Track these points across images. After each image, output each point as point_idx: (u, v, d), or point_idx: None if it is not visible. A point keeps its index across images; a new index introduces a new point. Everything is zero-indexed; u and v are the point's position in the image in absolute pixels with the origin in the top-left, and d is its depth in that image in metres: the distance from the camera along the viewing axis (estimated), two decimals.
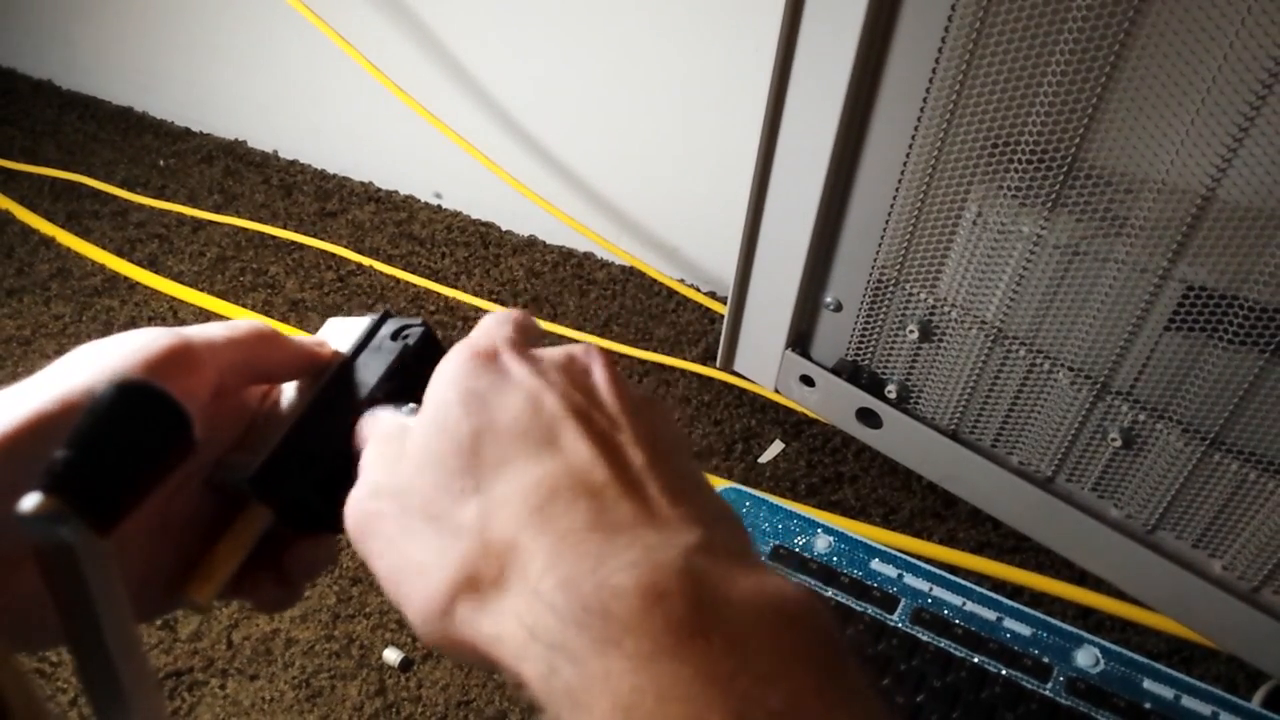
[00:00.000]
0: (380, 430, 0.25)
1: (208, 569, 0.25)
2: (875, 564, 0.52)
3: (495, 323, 0.25)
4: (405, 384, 0.28)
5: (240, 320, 0.28)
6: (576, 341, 0.27)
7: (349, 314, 0.79)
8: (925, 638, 0.48)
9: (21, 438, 0.23)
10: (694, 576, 0.18)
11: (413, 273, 0.83)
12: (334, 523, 0.27)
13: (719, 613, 0.18)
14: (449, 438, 0.22)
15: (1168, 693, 0.46)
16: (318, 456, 0.27)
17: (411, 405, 0.26)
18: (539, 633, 0.18)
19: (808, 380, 0.61)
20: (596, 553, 0.19)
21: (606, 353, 0.25)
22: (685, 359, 0.74)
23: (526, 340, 0.25)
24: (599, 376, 0.24)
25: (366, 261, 0.84)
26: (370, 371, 0.28)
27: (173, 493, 0.27)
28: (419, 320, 0.29)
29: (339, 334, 0.30)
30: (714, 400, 0.70)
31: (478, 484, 0.21)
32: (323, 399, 0.27)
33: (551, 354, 0.25)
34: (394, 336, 0.29)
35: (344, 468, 0.27)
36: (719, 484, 0.58)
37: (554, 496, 0.20)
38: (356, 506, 0.23)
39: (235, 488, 0.26)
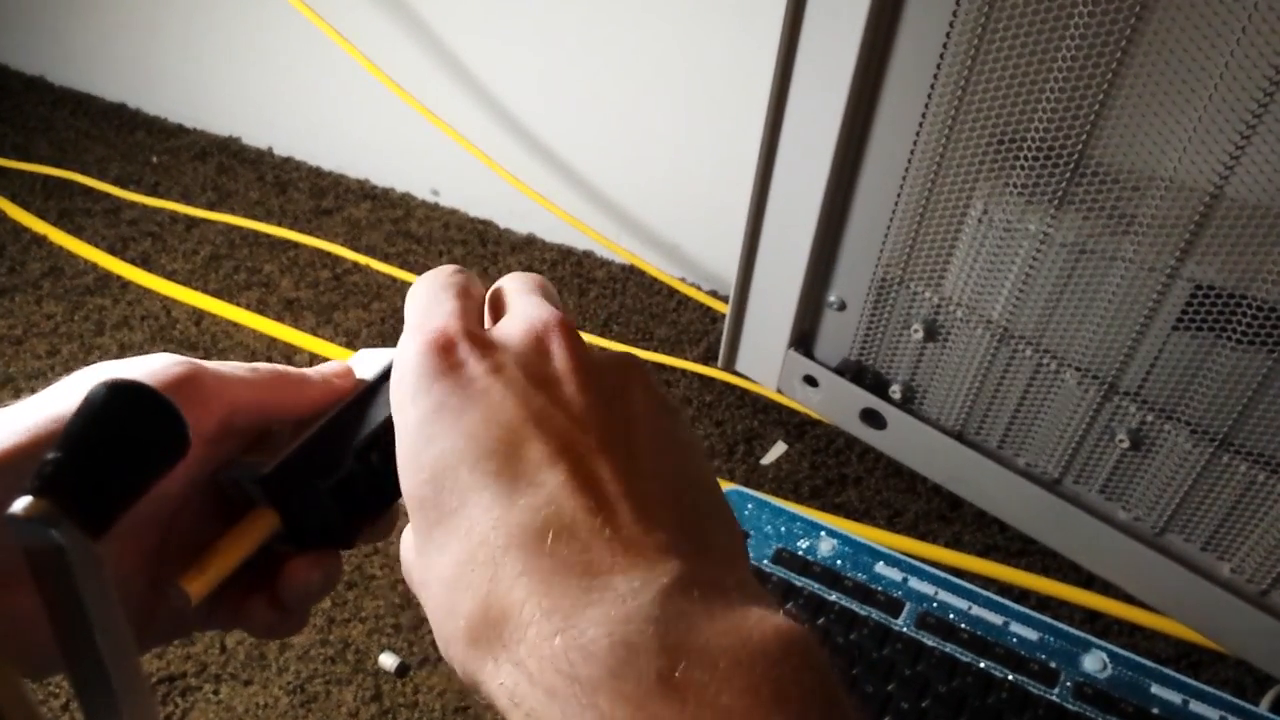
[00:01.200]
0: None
1: (203, 562, 0.25)
2: (880, 567, 0.51)
3: (438, 292, 0.23)
4: None
5: (264, 365, 0.27)
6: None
7: (345, 313, 0.78)
8: (930, 642, 0.48)
9: (18, 457, 0.22)
10: (666, 626, 0.17)
11: (409, 271, 0.82)
12: (339, 538, 0.27)
13: (693, 664, 0.17)
14: (413, 477, 0.21)
15: (1176, 697, 0.46)
16: (333, 468, 0.26)
17: None
18: (518, 699, 0.17)
19: (811, 380, 0.60)
20: (567, 608, 0.18)
21: (568, 326, 0.23)
22: (686, 359, 0.73)
23: (478, 313, 0.24)
24: (560, 362, 0.22)
25: (362, 260, 0.83)
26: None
27: (173, 510, 0.26)
28: None
29: (368, 364, 0.29)
30: (715, 401, 0.69)
31: (449, 530, 0.20)
32: (345, 414, 0.27)
33: (511, 337, 0.23)
34: None
35: (358, 484, 0.26)
36: (721, 486, 0.58)
37: (523, 541, 0.19)
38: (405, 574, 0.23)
39: (244, 489, 0.26)
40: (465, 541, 0.19)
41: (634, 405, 0.22)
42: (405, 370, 0.22)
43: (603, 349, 0.24)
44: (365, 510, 0.27)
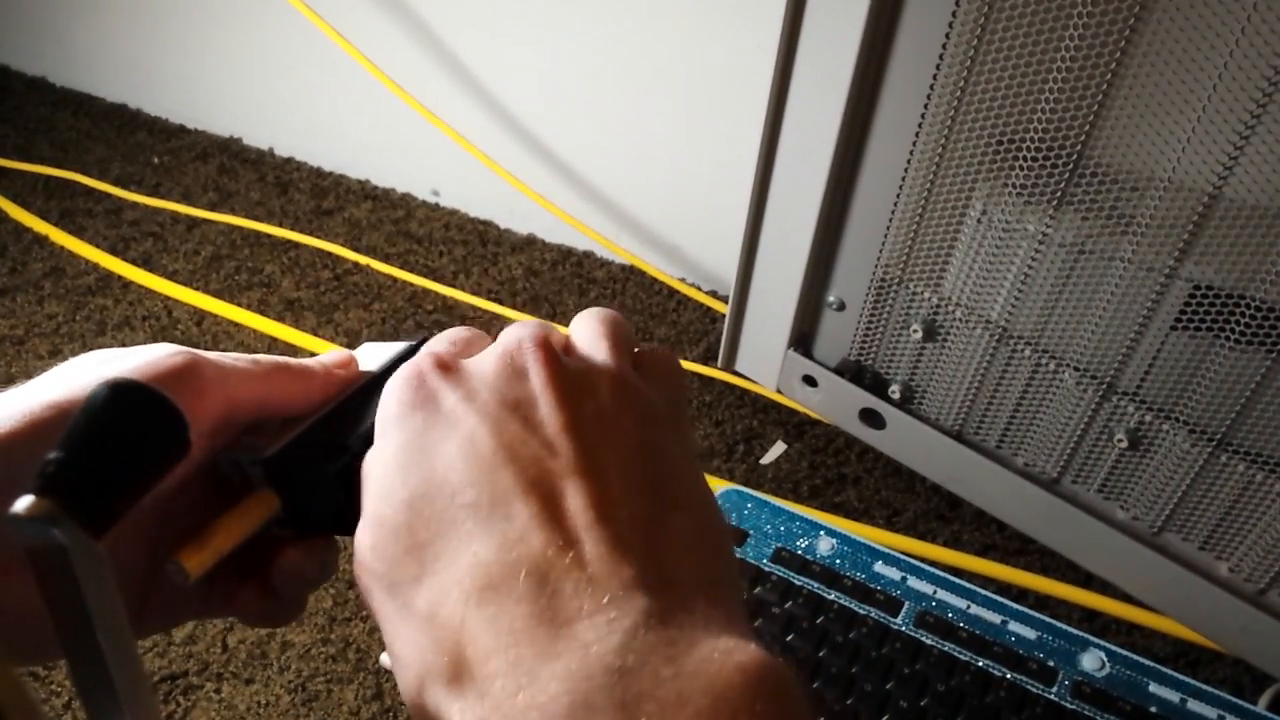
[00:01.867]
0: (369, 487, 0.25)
1: (202, 539, 0.24)
2: (879, 567, 0.52)
3: (426, 360, 0.24)
4: None
5: (266, 357, 0.27)
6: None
7: (346, 314, 0.78)
8: (929, 641, 0.48)
9: (14, 442, 0.22)
10: (628, 677, 0.17)
11: (410, 271, 0.82)
12: (339, 524, 0.27)
13: (654, 717, 0.17)
14: (389, 510, 0.21)
15: (1174, 696, 0.46)
16: (338, 452, 0.26)
17: None
18: None
19: (810, 380, 0.60)
20: (531, 661, 0.17)
21: (543, 341, 0.23)
22: (686, 359, 0.73)
23: (452, 345, 0.24)
24: (535, 381, 0.22)
25: (363, 260, 0.83)
26: None
27: (171, 495, 0.26)
28: None
29: (373, 356, 0.30)
30: (715, 401, 0.70)
31: (421, 566, 0.20)
32: (350, 402, 0.27)
33: (483, 362, 0.23)
34: None
35: (360, 471, 0.26)
36: (720, 486, 0.58)
37: (493, 583, 0.19)
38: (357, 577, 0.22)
39: (245, 471, 0.26)
40: (439, 577, 0.19)
41: (612, 419, 0.22)
42: (384, 404, 0.22)
43: (581, 358, 0.24)
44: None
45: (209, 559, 0.24)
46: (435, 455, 0.21)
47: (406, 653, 0.20)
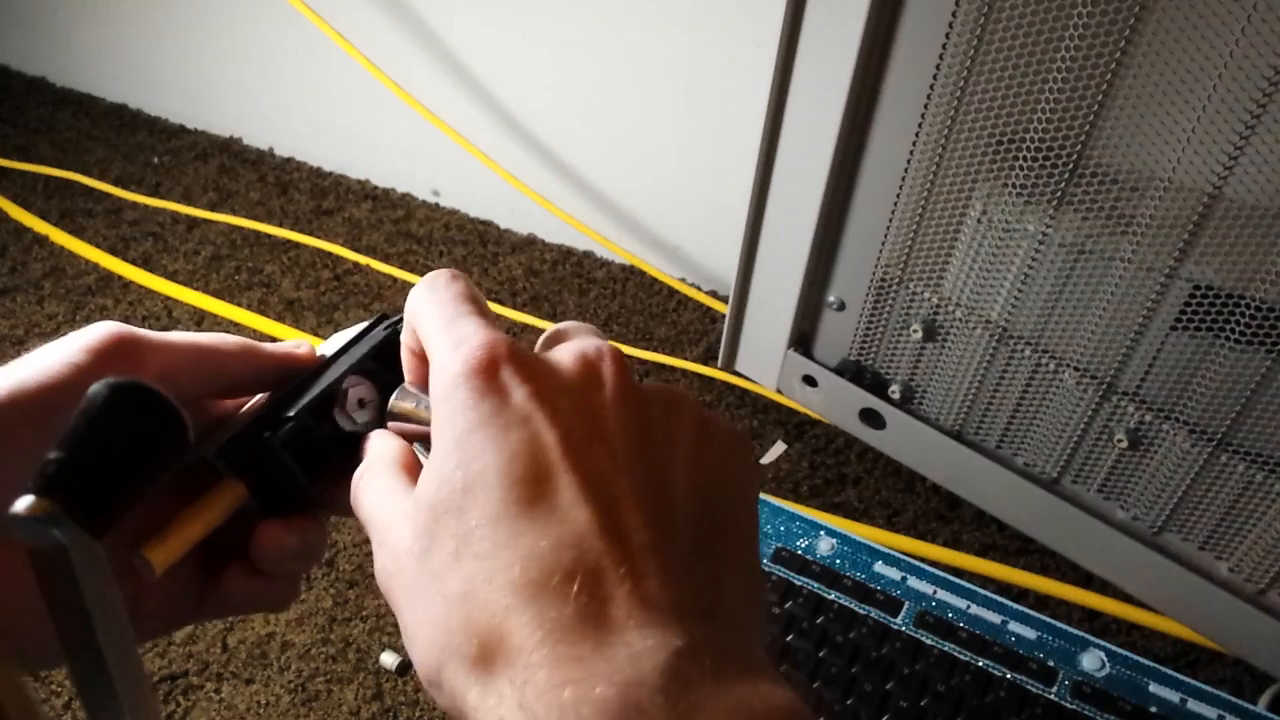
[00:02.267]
0: (379, 456, 0.24)
1: (165, 531, 0.24)
2: (879, 566, 0.52)
3: (457, 304, 0.23)
4: (387, 365, 0.27)
5: (219, 334, 0.28)
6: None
7: (346, 314, 0.78)
8: (929, 641, 0.48)
9: None
10: (675, 696, 0.17)
11: (410, 271, 0.82)
12: (303, 497, 0.27)
13: None
14: (442, 487, 0.20)
15: (1174, 696, 0.46)
16: (277, 425, 0.26)
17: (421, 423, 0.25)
18: None
19: (810, 380, 0.60)
20: (581, 659, 0.18)
21: (619, 356, 0.23)
22: (686, 359, 0.73)
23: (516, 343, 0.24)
24: (608, 393, 0.22)
25: (363, 260, 0.83)
26: (354, 356, 0.28)
27: (149, 497, 0.26)
28: None
29: (334, 343, 0.30)
30: (715, 401, 0.70)
31: (464, 548, 0.20)
32: (304, 383, 0.27)
33: (560, 364, 0.22)
34: (385, 329, 0.29)
35: (316, 441, 0.26)
36: None
37: (543, 578, 0.19)
38: (378, 574, 0.22)
39: (213, 465, 0.26)
40: (482, 562, 0.19)
41: (677, 445, 0.22)
42: (448, 387, 0.22)
43: (653, 383, 0.24)
44: (326, 467, 0.27)
45: (174, 550, 0.24)
46: (501, 445, 0.20)
47: (429, 630, 0.20)
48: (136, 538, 0.25)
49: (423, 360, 0.25)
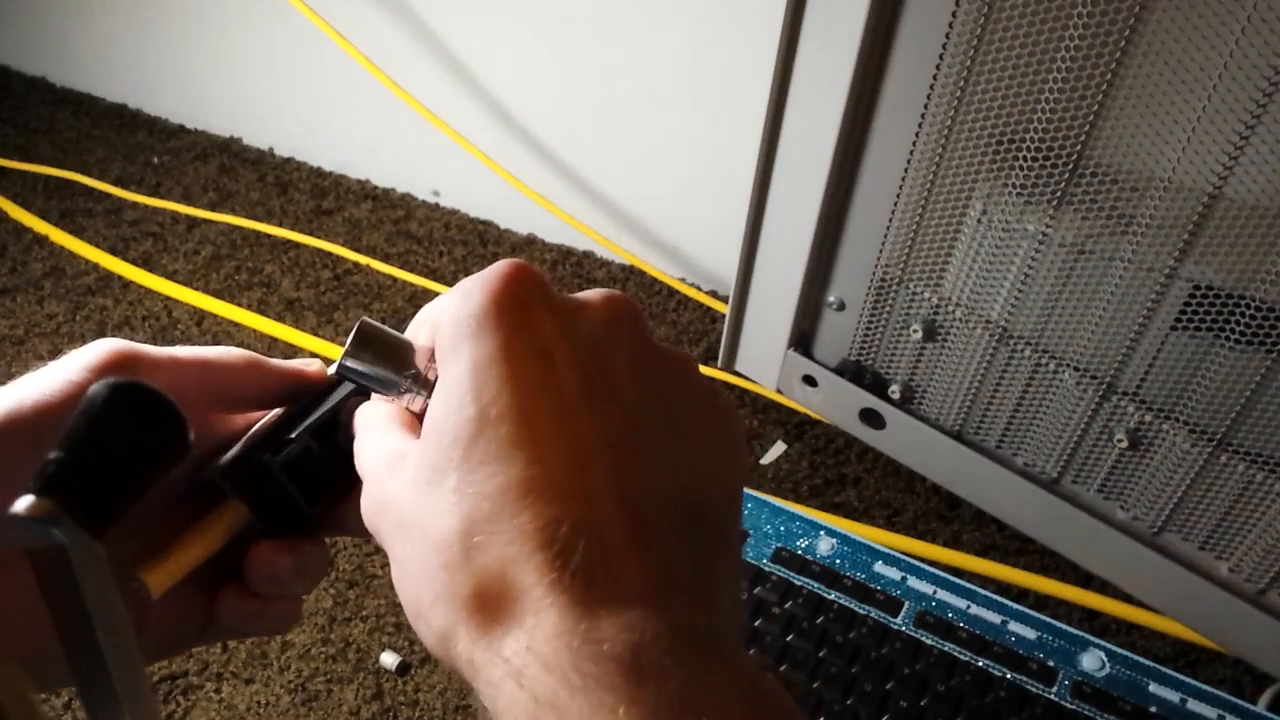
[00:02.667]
0: (375, 418, 0.24)
1: (165, 554, 0.24)
2: (879, 566, 0.52)
3: (520, 269, 0.22)
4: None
5: (225, 347, 0.27)
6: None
7: (346, 314, 0.78)
8: (929, 641, 0.48)
9: None
10: (682, 662, 0.17)
11: (410, 271, 0.82)
12: (303, 520, 0.26)
13: (703, 699, 0.17)
14: (453, 413, 0.19)
15: (1173, 696, 0.46)
16: (278, 447, 0.26)
17: (410, 383, 0.24)
18: (526, 681, 0.17)
19: (810, 380, 0.60)
20: (590, 610, 0.17)
21: (641, 310, 0.22)
22: None
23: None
24: (629, 344, 0.21)
25: (363, 260, 0.83)
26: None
27: (154, 517, 0.26)
28: None
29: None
30: None
31: (464, 482, 0.19)
32: (309, 404, 0.27)
33: (587, 304, 0.22)
34: None
35: (316, 463, 0.26)
36: None
37: (553, 525, 0.18)
38: (366, 509, 0.22)
39: (217, 485, 0.26)
40: (486, 502, 0.18)
41: (683, 408, 0.21)
42: (471, 307, 0.20)
43: (666, 344, 0.24)
44: (328, 490, 0.26)
45: (173, 574, 0.24)
46: (519, 376, 0.20)
47: (418, 565, 0.19)
48: (136, 559, 0.24)
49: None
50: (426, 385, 0.23)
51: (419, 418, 0.22)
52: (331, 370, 0.28)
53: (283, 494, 0.26)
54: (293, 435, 0.26)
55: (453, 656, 0.18)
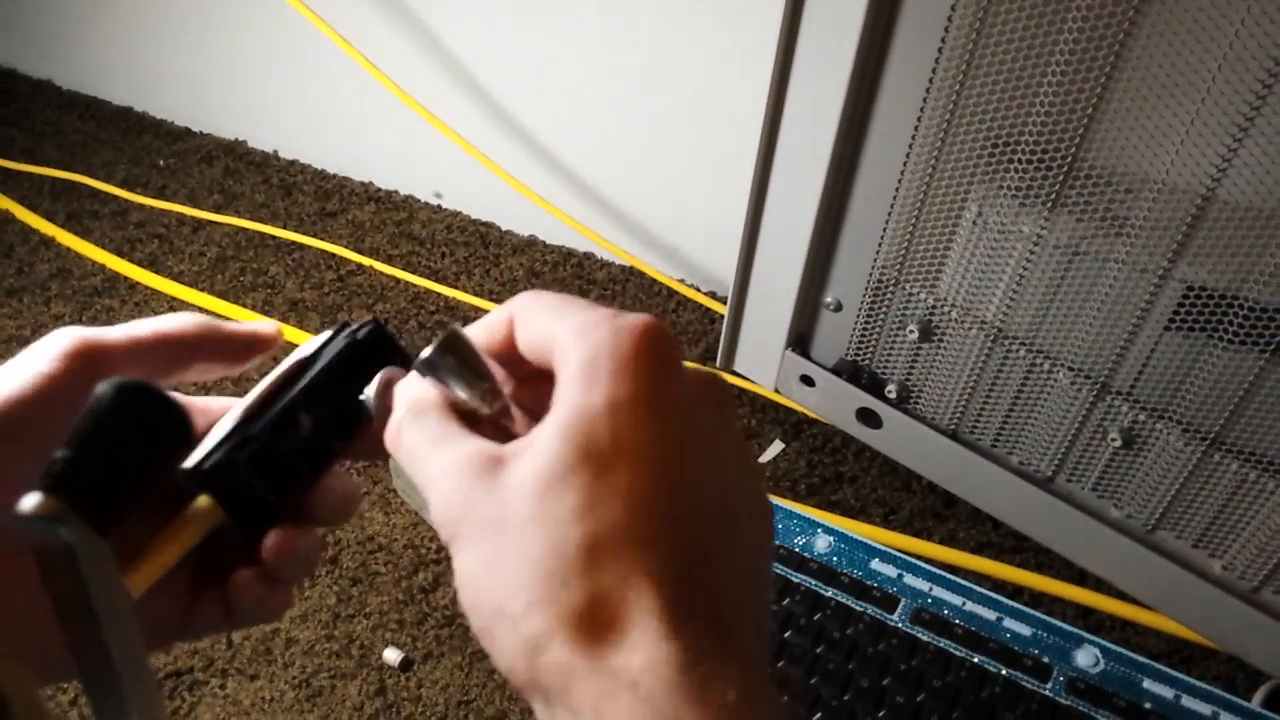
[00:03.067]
0: (427, 406, 0.24)
1: (142, 555, 0.24)
2: (875, 564, 0.52)
3: (667, 329, 0.23)
4: (353, 372, 0.27)
5: (177, 314, 0.28)
6: None
7: (349, 314, 0.79)
8: (925, 637, 0.48)
9: None
10: (778, 711, 0.19)
11: (412, 272, 0.83)
12: (283, 516, 0.26)
13: None
14: (587, 446, 0.20)
15: (1168, 692, 0.46)
16: (265, 446, 0.26)
17: (485, 390, 0.24)
18: (643, 696, 0.18)
19: (808, 380, 0.61)
20: (705, 652, 0.18)
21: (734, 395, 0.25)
22: (685, 359, 0.74)
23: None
24: (730, 422, 0.23)
25: (366, 261, 0.84)
26: (318, 367, 0.28)
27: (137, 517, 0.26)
28: (371, 319, 0.29)
29: (309, 347, 0.29)
30: None
31: (593, 505, 0.19)
32: (270, 393, 0.27)
33: (704, 382, 0.23)
34: (346, 337, 0.29)
35: (293, 459, 0.26)
36: None
37: (683, 570, 0.19)
38: (443, 506, 0.22)
39: (181, 482, 0.26)
40: (616, 531, 0.19)
41: (755, 475, 0.24)
42: (621, 346, 0.21)
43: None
44: (295, 480, 0.27)
45: (151, 575, 0.24)
46: (665, 425, 0.21)
47: (515, 571, 0.19)
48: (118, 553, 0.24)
49: (509, 345, 0.24)
50: (498, 395, 0.24)
51: (471, 417, 0.24)
52: (297, 354, 0.28)
53: (250, 489, 0.26)
54: (255, 431, 0.26)
55: (540, 662, 0.19)
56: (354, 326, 0.29)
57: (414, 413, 0.24)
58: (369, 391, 0.27)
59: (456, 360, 0.24)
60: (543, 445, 0.20)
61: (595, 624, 0.18)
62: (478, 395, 0.24)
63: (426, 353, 0.24)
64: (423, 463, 0.23)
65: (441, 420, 0.23)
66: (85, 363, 0.25)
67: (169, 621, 0.27)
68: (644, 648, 0.18)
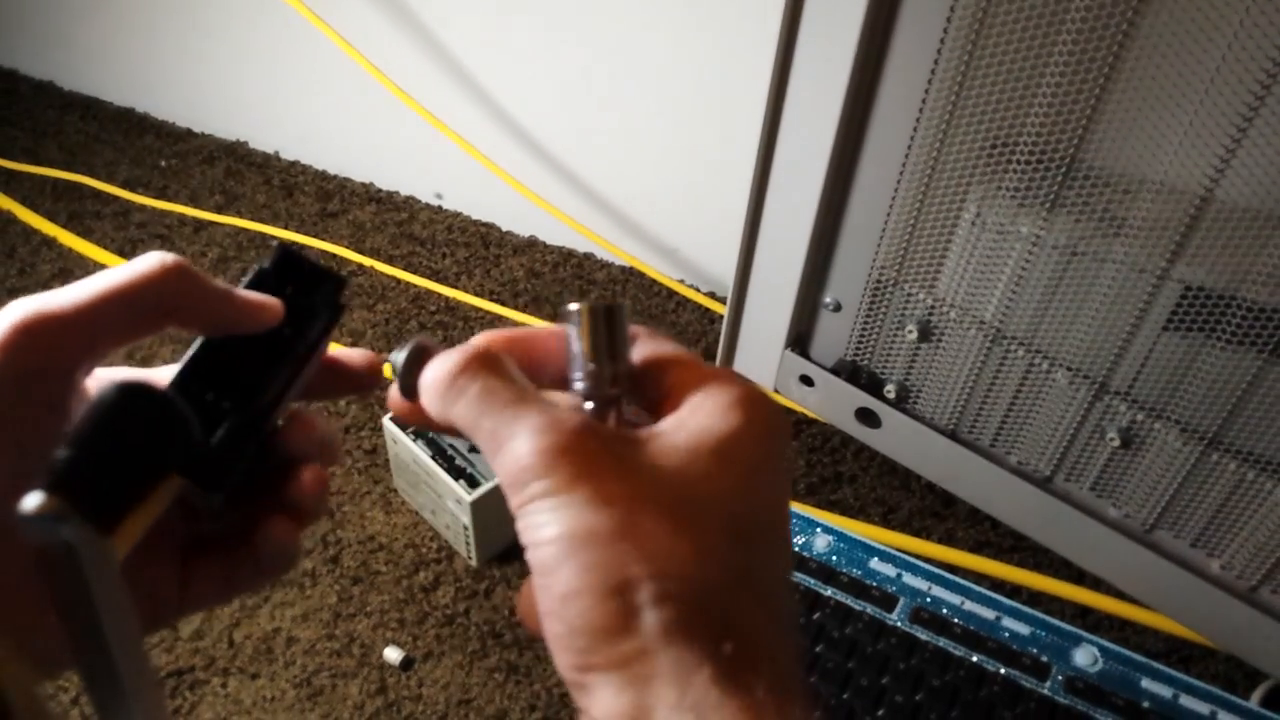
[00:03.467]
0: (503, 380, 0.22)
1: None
2: (874, 563, 0.52)
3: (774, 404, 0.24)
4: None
5: (143, 258, 0.25)
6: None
7: (350, 314, 0.79)
8: (924, 636, 0.49)
9: None
10: None
11: (413, 273, 0.83)
12: (238, 472, 0.25)
13: None
14: (737, 505, 0.21)
15: (1166, 691, 0.47)
16: (206, 404, 0.25)
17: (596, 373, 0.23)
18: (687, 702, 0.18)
19: (807, 380, 0.61)
20: (749, 684, 0.19)
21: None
22: None
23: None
24: (788, 451, 0.25)
25: (367, 262, 0.84)
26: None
27: None
28: (279, 244, 0.28)
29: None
30: None
31: (733, 540, 0.21)
32: (203, 350, 0.27)
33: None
34: (257, 265, 0.28)
35: (235, 410, 0.25)
36: None
37: (791, 620, 0.21)
38: (547, 451, 0.20)
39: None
40: (752, 572, 0.21)
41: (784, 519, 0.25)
42: (777, 418, 0.23)
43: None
44: (243, 425, 0.26)
45: (120, 549, 0.23)
46: (784, 485, 0.23)
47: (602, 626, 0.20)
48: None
49: (543, 358, 0.24)
50: (616, 383, 0.23)
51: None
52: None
53: (207, 453, 0.25)
54: (209, 399, 0.25)
55: (643, 628, 0.19)
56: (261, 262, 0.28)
57: (486, 368, 0.22)
58: (397, 355, 0.25)
59: (615, 326, 0.23)
60: (683, 462, 0.21)
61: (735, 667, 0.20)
62: (607, 372, 0.23)
63: (588, 306, 0.23)
64: (503, 414, 0.21)
65: (523, 379, 0.22)
66: (31, 335, 0.24)
67: (166, 599, 0.27)
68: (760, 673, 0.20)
